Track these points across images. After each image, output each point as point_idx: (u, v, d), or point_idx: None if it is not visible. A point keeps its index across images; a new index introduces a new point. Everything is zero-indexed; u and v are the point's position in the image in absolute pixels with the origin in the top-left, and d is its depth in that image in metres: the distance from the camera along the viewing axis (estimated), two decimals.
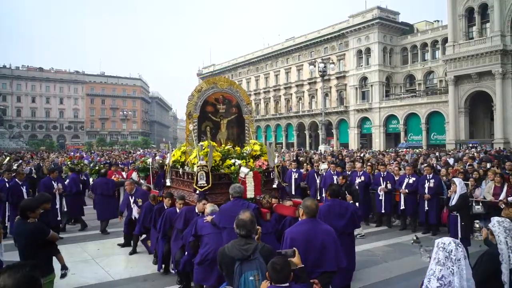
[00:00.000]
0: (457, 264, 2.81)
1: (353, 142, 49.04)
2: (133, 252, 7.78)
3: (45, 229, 4.31)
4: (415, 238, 3.71)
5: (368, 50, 47.72)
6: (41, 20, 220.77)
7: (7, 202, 8.45)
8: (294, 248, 3.31)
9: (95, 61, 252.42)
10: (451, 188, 7.43)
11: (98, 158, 17.85)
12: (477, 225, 4.47)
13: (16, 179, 8.48)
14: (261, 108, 65.20)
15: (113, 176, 11.03)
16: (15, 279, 1.89)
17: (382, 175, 10.43)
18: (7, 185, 8.68)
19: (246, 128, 7.89)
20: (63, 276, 4.52)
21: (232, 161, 6.66)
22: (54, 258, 4.51)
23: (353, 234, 5.54)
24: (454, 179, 7.61)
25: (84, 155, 19.76)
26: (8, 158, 16.06)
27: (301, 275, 3.10)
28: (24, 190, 8.37)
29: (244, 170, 6.03)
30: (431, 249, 3.45)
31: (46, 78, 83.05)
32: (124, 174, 12.37)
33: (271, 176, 6.94)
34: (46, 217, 4.96)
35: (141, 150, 39.36)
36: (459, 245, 2.86)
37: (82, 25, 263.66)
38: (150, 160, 9.91)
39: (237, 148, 7.29)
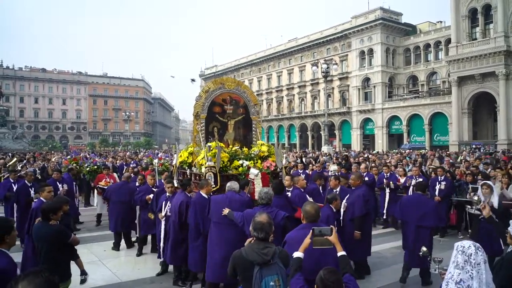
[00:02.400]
0: (476, 268, 2.73)
1: (356, 143, 48.95)
2: (140, 253, 7.73)
3: (67, 232, 4.20)
4: (424, 249, 3.71)
5: (371, 51, 47.63)
6: (43, 21, 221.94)
7: (15, 203, 8.42)
8: (331, 226, 3.31)
9: (98, 62, 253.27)
10: (482, 191, 6.22)
11: (93, 159, 16.59)
12: (476, 198, 4.33)
13: (26, 181, 8.43)
14: (263, 109, 65.06)
15: (103, 180, 10.46)
16: (35, 284, 1.85)
17: (386, 176, 10.45)
18: (13, 186, 8.67)
19: (253, 128, 7.87)
20: (82, 282, 4.38)
21: (240, 162, 6.63)
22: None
23: (430, 230, 5.97)
24: (487, 181, 6.81)
25: (88, 156, 19.53)
26: (15, 159, 16.02)
27: (343, 264, 3.05)
28: (32, 191, 8.31)
29: (254, 171, 5.99)
30: (441, 260, 3.38)
31: (49, 79, 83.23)
32: (116, 177, 11.68)
33: (279, 177, 6.90)
34: (67, 219, 4.87)
35: (143, 151, 39.37)
36: (479, 249, 2.79)
37: (84, 26, 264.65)
38: (156, 160, 9.84)
39: (245, 149, 7.26)
